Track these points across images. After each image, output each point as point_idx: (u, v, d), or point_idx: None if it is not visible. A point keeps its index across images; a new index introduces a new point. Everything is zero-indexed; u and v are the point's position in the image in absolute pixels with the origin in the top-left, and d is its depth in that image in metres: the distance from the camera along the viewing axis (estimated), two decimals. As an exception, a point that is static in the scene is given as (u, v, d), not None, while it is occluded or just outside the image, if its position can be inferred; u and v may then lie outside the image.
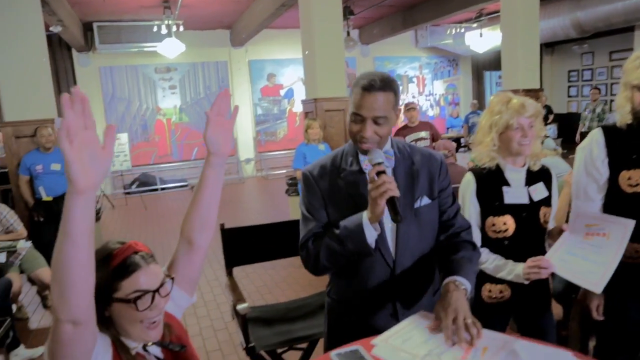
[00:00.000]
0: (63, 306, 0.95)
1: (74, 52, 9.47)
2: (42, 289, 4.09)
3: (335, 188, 1.54)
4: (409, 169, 1.55)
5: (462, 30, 10.56)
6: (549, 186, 1.93)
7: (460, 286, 1.39)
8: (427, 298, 1.58)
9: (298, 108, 10.86)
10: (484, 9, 9.35)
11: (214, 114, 1.27)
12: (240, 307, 1.99)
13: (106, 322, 1.15)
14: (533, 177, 1.91)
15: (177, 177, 10.34)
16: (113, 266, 1.12)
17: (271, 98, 10.84)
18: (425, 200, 1.54)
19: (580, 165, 1.90)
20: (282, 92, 10.91)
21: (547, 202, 1.91)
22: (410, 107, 5.71)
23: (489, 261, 1.83)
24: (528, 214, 1.86)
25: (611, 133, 1.85)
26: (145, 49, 9.08)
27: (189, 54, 9.30)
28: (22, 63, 4.79)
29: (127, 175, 9.75)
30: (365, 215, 1.39)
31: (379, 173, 1.35)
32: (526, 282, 1.73)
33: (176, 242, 1.33)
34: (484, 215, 1.85)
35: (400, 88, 10.39)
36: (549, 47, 13.38)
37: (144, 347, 1.19)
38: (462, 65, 12.50)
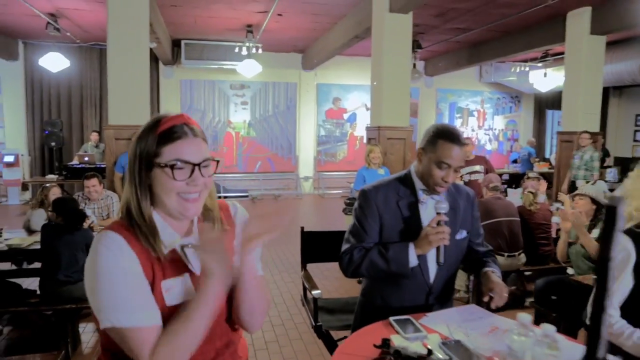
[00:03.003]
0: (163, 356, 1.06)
1: (160, 65, 10.43)
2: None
3: (391, 209, 1.83)
4: (453, 204, 1.86)
5: (527, 68, 10.74)
6: None
7: (496, 272, 1.83)
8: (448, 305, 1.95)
9: (359, 132, 11.34)
10: (550, 50, 9.53)
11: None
12: (315, 292, 2.45)
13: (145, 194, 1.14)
14: None
15: (240, 187, 11.02)
16: (159, 131, 1.11)
17: (334, 121, 11.39)
18: (463, 234, 1.91)
19: None
20: (346, 116, 11.45)
21: None
22: (465, 142, 6.01)
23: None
24: None
25: None
26: (225, 67, 9.89)
27: (263, 74, 10.01)
28: (127, 74, 5.37)
29: (194, 181, 10.51)
30: (412, 245, 1.76)
31: (439, 222, 1.73)
32: None
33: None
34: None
35: (461, 120, 10.70)
36: (616, 89, 13.24)
37: (182, 248, 1.17)
38: (525, 102, 12.60)
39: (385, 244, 1.83)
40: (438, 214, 1.75)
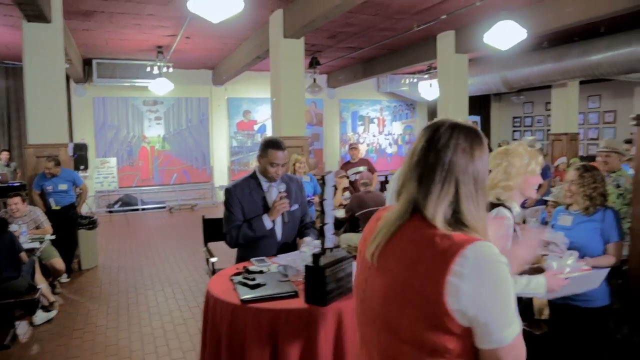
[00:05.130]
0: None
1: (72, 83, 10.65)
2: (55, 274, 5.19)
3: (246, 198, 2.80)
4: (287, 187, 2.87)
5: (415, 80, 12.17)
6: None
7: (311, 236, 2.86)
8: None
9: (270, 141, 12.17)
10: (433, 64, 10.96)
11: None
12: (212, 259, 3.37)
13: None
14: None
15: (157, 199, 11.47)
16: None
17: (246, 132, 12.19)
18: (296, 207, 2.94)
19: None
20: (256, 127, 12.27)
21: None
22: (352, 147, 7.08)
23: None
24: None
25: None
26: (137, 84, 10.35)
27: (175, 90, 10.53)
28: (44, 96, 5.80)
29: (112, 195, 10.85)
30: (266, 215, 2.78)
31: (281, 197, 2.76)
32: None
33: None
34: None
35: (363, 127, 11.85)
36: (496, 95, 15.17)
37: None
38: (419, 109, 14.11)
39: (249, 220, 2.79)
40: (279, 192, 2.75)
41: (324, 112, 12.75)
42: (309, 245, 2.57)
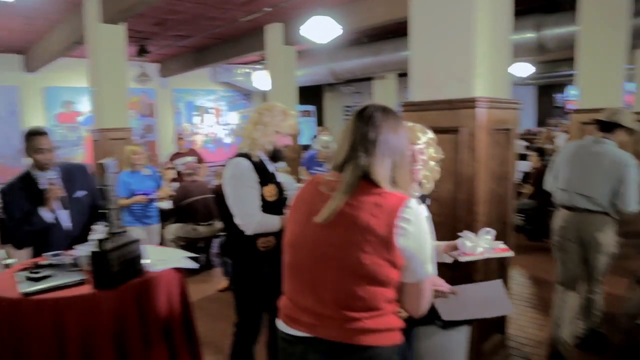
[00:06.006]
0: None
1: None
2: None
3: (24, 194, 2.76)
4: (67, 174, 2.87)
5: (249, 70, 12.34)
6: None
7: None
8: None
9: (97, 134, 11.32)
10: (265, 55, 11.22)
11: None
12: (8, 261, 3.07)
13: None
14: None
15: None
16: None
17: (68, 125, 11.16)
18: (83, 193, 2.92)
19: None
20: (80, 119, 11.31)
21: None
22: (179, 137, 7.00)
23: None
24: None
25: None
26: None
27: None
28: None
29: None
30: (42, 209, 2.73)
31: (52, 184, 2.73)
32: None
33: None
34: None
35: (199, 118, 11.66)
36: (329, 86, 16.08)
37: None
38: (255, 99, 14.32)
39: (27, 215, 2.76)
40: (48, 180, 2.77)
41: (156, 103, 12.25)
42: (97, 232, 2.54)
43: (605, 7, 6.02)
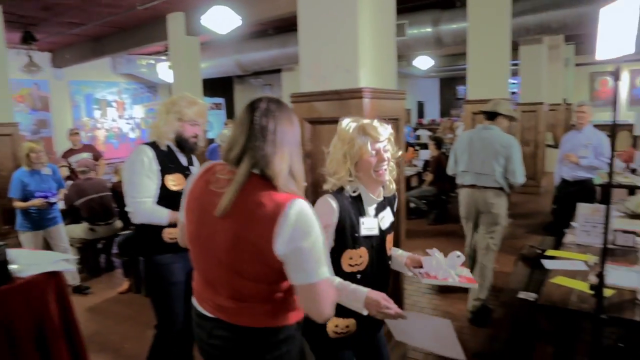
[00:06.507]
0: None
1: None
2: None
3: None
4: None
5: (153, 61, 11.82)
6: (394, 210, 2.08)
7: None
8: None
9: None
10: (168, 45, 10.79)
11: None
12: None
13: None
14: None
15: None
16: None
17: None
18: None
19: None
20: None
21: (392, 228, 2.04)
22: (74, 132, 6.55)
23: None
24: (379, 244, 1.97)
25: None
26: None
27: None
28: None
29: None
30: None
31: None
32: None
33: None
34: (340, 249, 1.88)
35: (100, 112, 10.97)
36: (239, 77, 15.85)
37: None
38: (161, 92, 13.76)
39: None
40: None
41: (50, 96, 11.38)
42: None
43: (490, 6, 6.47)
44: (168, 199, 2.55)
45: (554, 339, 3.02)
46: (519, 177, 3.94)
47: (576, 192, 5.24)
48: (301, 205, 1.46)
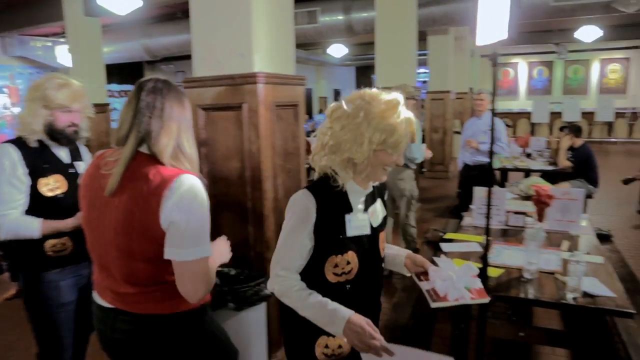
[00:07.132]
0: None
1: None
2: None
3: None
4: None
5: (51, 44, 10.92)
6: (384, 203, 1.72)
7: None
8: None
9: None
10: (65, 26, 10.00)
11: None
12: None
13: None
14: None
15: None
16: None
17: None
18: None
19: None
20: None
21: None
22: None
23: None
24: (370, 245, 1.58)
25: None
26: None
27: None
28: None
29: None
30: None
31: None
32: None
33: None
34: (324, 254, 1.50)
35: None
36: (149, 63, 15.10)
37: None
38: (62, 77, 12.80)
39: None
40: None
41: None
42: None
43: (396, -4, 6.58)
44: (43, 207, 2.12)
45: (451, 319, 3.15)
46: (417, 155, 4.48)
47: (477, 175, 5.50)
48: (190, 180, 1.46)
